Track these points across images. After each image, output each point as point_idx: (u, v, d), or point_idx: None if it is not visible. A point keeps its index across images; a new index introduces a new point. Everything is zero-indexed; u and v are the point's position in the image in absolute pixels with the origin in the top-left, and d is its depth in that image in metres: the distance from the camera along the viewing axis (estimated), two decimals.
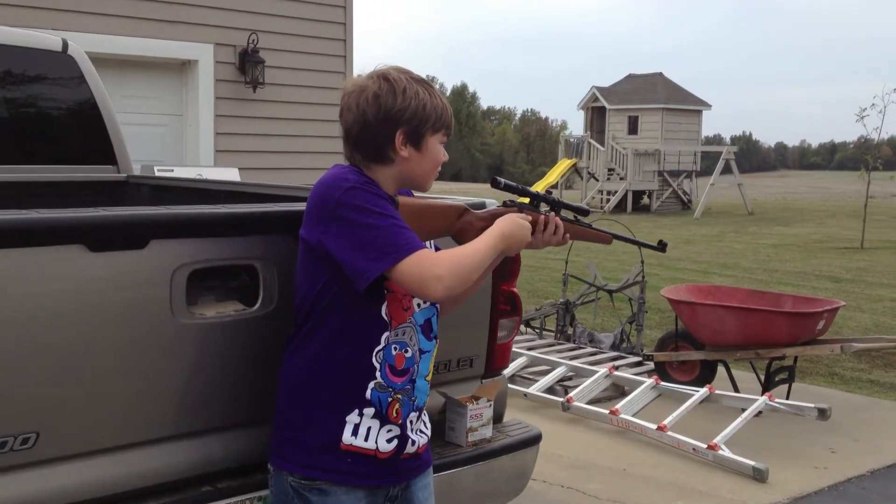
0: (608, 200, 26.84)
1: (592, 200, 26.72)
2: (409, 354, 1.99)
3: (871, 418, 5.51)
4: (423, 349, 2.03)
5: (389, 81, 1.96)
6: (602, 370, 5.56)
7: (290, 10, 9.26)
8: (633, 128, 29.53)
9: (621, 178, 27.13)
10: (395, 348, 1.98)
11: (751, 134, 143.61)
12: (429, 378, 2.07)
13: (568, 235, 2.15)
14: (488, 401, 2.66)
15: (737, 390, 5.42)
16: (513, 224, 2.02)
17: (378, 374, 1.96)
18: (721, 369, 5.61)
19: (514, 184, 2.13)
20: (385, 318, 1.96)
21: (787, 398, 5.22)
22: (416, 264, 1.84)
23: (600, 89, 30.57)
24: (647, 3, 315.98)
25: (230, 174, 6.86)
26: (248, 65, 8.85)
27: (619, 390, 5.67)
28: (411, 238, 1.87)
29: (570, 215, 2.18)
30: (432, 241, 2.12)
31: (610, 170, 27.51)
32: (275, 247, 2.20)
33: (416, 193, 2.17)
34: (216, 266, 2.16)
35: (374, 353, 1.95)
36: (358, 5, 12.33)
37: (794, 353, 5.24)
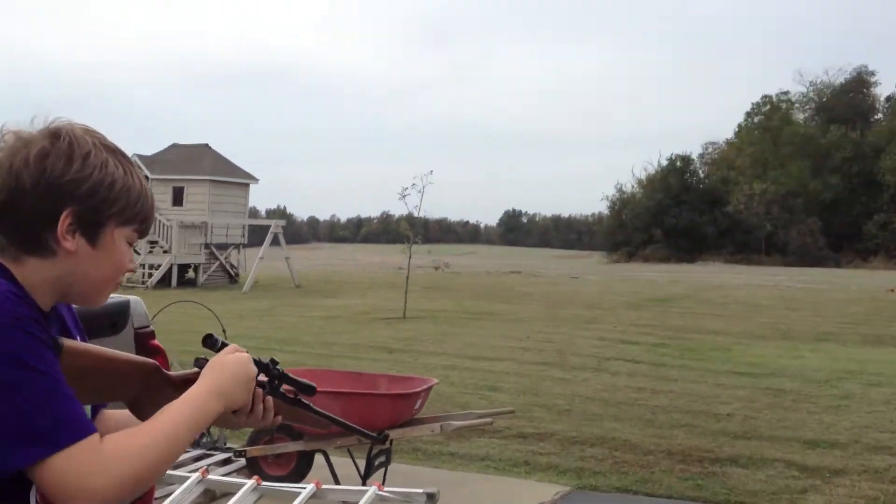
0: (150, 275, 25.68)
1: (133, 275, 25.31)
2: None
3: (472, 492, 5.71)
4: None
5: (68, 141, 1.36)
6: (194, 475, 5.00)
7: None
8: (178, 199, 28.83)
9: (165, 251, 26.19)
10: None
11: (285, 208, 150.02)
12: None
13: (279, 418, 1.59)
14: None
15: (337, 481, 5.25)
16: (230, 369, 1.43)
17: None
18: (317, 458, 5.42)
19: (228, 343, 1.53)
20: None
21: (384, 482, 5.18)
22: (77, 461, 1.24)
23: (142, 157, 29.39)
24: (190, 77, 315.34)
25: None
26: None
27: (209, 496, 5.14)
28: (77, 414, 1.27)
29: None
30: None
31: (152, 242, 26.40)
32: None
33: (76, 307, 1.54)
34: None
35: None
36: None
37: (396, 437, 5.24)
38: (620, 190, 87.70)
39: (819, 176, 76.60)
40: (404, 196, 18.39)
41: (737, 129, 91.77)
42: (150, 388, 1.49)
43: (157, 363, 1.53)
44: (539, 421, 7.87)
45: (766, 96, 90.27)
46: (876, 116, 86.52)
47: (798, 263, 67.52)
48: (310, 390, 1.62)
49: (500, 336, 14.70)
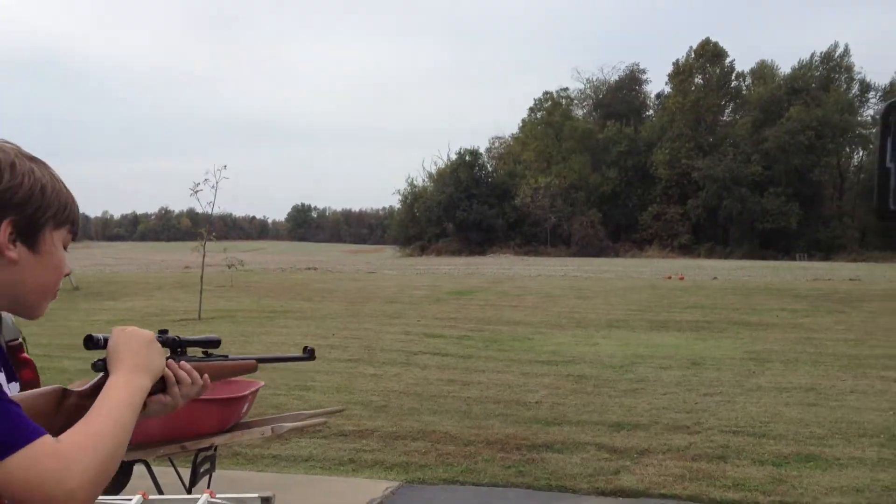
0: None
1: None
2: None
3: (304, 494, 5.67)
4: None
5: None
6: None
7: None
8: None
9: None
10: None
11: None
12: None
13: (207, 377, 1.66)
14: None
15: (160, 491, 5.06)
16: (131, 345, 1.48)
17: None
18: (138, 469, 5.18)
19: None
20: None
21: (209, 487, 5.05)
22: (41, 464, 1.23)
23: None
24: None
25: None
26: None
27: None
28: (26, 420, 1.27)
29: (198, 352, 1.72)
30: None
31: None
32: None
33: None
34: None
35: None
36: None
37: (223, 442, 5.10)
38: (412, 184, 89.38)
39: (598, 169, 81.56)
40: (196, 192, 17.74)
41: (521, 125, 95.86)
42: (69, 412, 1.49)
43: (61, 386, 1.53)
44: (357, 418, 7.92)
45: (547, 93, 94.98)
46: (648, 113, 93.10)
47: (581, 254, 71.64)
48: (214, 344, 1.72)
49: (305, 334, 14.59)
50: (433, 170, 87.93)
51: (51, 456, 1.25)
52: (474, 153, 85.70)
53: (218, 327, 15.83)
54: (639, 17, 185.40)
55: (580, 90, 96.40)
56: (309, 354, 1.96)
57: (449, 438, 7.19)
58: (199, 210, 18.93)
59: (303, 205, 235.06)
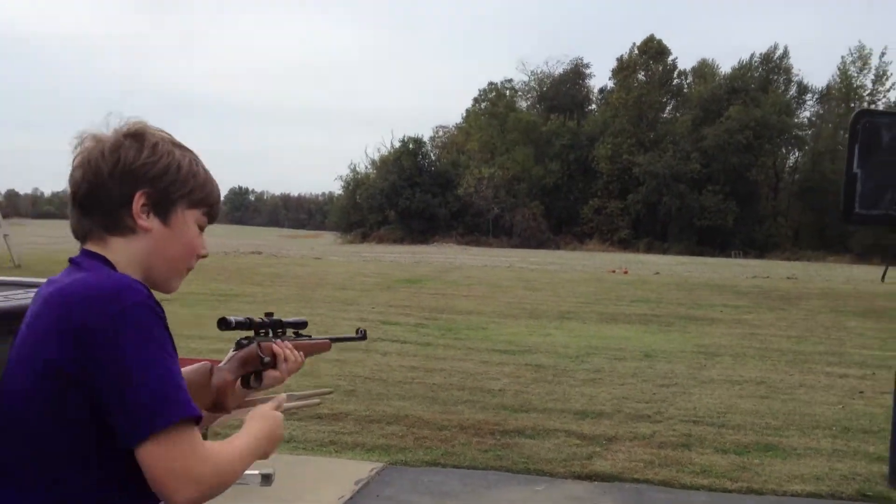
0: None
1: None
2: None
3: (292, 473, 5.77)
4: None
5: (137, 136, 1.55)
6: None
7: None
8: None
9: None
10: None
11: None
12: None
13: (302, 354, 1.91)
14: None
15: None
16: (274, 424, 1.67)
17: None
18: None
19: (242, 319, 1.82)
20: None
21: None
22: (179, 447, 1.37)
23: None
24: None
25: None
26: None
27: None
28: (188, 396, 1.41)
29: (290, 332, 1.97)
30: None
31: None
32: None
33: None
34: None
35: None
36: None
37: (221, 423, 5.20)
38: (354, 170, 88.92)
39: (541, 162, 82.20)
40: None
41: (465, 115, 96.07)
42: (217, 389, 1.74)
43: (209, 362, 1.72)
44: (330, 402, 8.04)
45: (492, 83, 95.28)
46: (590, 107, 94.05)
47: (523, 245, 72.31)
48: (303, 325, 1.99)
49: None
50: (376, 157, 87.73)
51: (197, 441, 1.40)
52: (418, 141, 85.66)
53: (170, 309, 15.69)
54: (584, 11, 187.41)
55: (524, 82, 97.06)
56: (362, 335, 2.22)
57: (423, 423, 7.38)
58: None
59: (240, 188, 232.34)
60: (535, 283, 25.53)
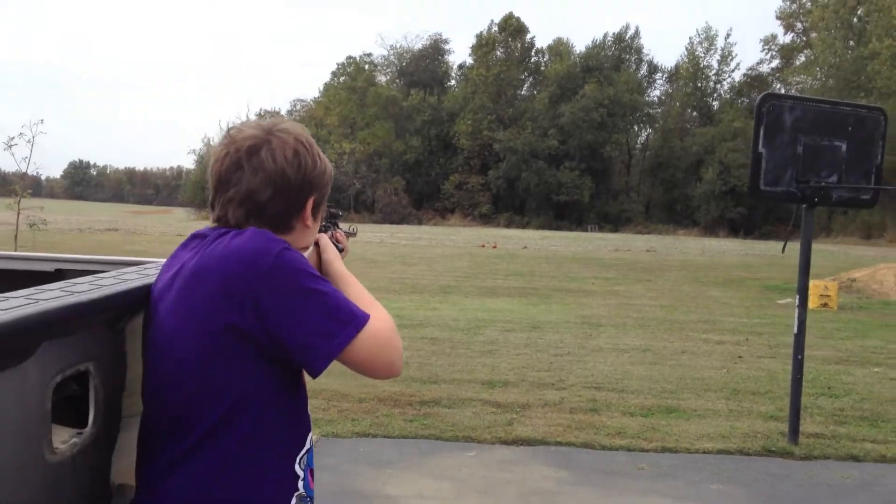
0: None
1: None
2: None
3: None
4: None
5: (308, 139, 1.70)
6: None
7: None
8: None
9: None
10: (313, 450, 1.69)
11: None
12: None
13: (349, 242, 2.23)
14: None
15: None
16: (334, 250, 1.95)
17: (301, 483, 1.62)
18: None
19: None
20: (309, 413, 1.59)
21: None
22: (374, 336, 1.56)
23: None
24: None
25: None
26: None
27: None
28: (355, 305, 1.59)
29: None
30: None
31: None
32: (108, 341, 1.50)
33: None
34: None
35: (298, 460, 1.60)
36: None
37: None
38: (208, 144, 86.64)
39: (402, 137, 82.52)
40: (10, 146, 16.52)
41: (323, 89, 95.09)
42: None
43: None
44: None
45: (350, 57, 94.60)
46: (450, 83, 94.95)
47: (385, 220, 72.53)
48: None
49: None
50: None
51: (386, 327, 1.61)
52: (274, 114, 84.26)
53: None
54: None
55: (384, 56, 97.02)
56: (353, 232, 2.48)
57: (342, 396, 7.49)
58: None
59: (81, 161, 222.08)
60: (410, 258, 25.83)
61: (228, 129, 1.69)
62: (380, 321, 1.59)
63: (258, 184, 1.62)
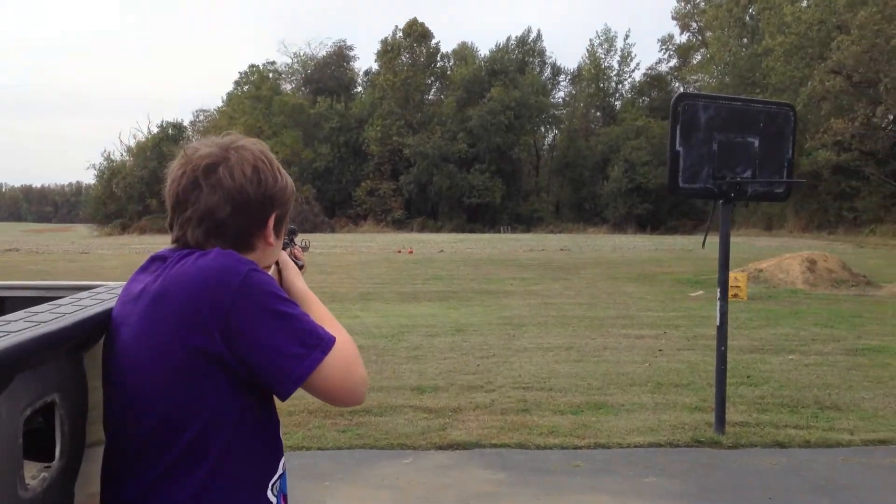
0: None
1: None
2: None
3: None
4: None
5: (267, 156, 1.67)
6: None
7: None
8: None
9: None
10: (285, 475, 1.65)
11: None
12: None
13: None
14: None
15: None
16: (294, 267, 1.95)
17: None
18: None
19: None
20: (281, 437, 1.55)
21: None
22: (341, 359, 1.53)
23: None
24: None
25: None
26: None
27: None
28: (322, 328, 1.56)
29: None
30: None
31: None
32: (70, 370, 1.41)
33: None
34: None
35: (271, 486, 1.56)
36: None
37: None
38: (108, 158, 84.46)
39: (311, 145, 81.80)
40: None
41: (226, 98, 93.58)
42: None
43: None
44: None
45: (253, 66, 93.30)
46: (357, 89, 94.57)
47: (298, 230, 71.72)
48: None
49: None
50: (132, 143, 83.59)
51: (351, 351, 1.58)
52: (178, 126, 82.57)
53: None
54: None
55: (287, 64, 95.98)
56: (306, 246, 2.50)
57: None
58: None
59: None
60: (326, 266, 25.60)
61: (184, 149, 1.63)
62: (344, 344, 1.56)
63: (216, 202, 1.57)
